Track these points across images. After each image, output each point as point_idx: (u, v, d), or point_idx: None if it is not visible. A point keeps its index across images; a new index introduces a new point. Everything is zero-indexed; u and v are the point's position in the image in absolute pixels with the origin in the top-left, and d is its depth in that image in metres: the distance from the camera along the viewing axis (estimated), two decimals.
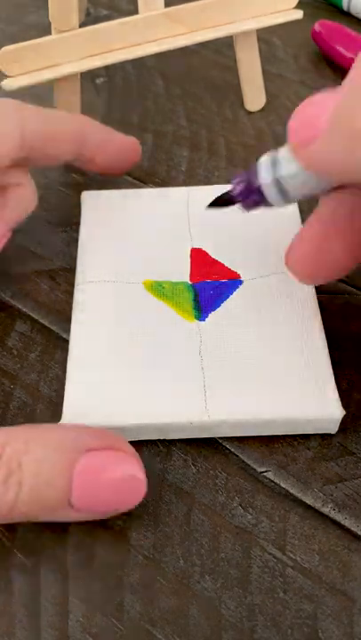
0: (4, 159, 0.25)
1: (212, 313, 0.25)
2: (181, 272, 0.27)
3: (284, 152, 0.22)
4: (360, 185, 0.20)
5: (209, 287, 0.26)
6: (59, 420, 0.23)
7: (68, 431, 0.20)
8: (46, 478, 0.19)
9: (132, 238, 0.28)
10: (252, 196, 0.23)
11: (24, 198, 0.27)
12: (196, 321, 0.25)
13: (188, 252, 0.27)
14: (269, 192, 0.22)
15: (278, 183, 0.22)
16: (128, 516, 0.22)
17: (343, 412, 0.22)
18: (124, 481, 0.20)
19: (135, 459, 0.20)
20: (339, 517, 0.22)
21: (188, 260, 0.27)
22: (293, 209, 0.29)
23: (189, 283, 0.26)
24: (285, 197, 0.22)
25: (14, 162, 0.26)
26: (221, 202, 0.24)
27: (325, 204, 0.22)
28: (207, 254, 0.27)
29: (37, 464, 0.19)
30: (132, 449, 0.20)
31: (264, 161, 0.22)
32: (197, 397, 0.23)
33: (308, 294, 0.26)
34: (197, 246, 0.28)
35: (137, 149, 0.30)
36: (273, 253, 0.27)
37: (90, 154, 0.28)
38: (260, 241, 0.28)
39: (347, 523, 0.22)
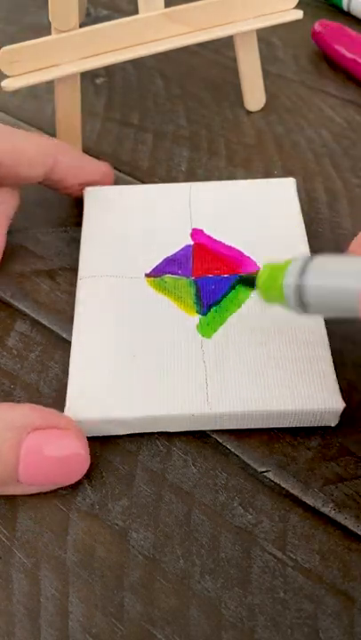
0: None
1: (214, 307, 0.25)
2: (183, 267, 0.27)
3: (317, 262, 0.20)
4: None
5: (211, 282, 0.26)
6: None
7: (16, 410, 0.21)
8: None
9: (134, 233, 0.28)
10: (272, 293, 0.21)
11: (8, 200, 0.28)
12: (198, 315, 0.25)
13: (191, 247, 0.28)
14: (289, 296, 0.20)
15: (300, 290, 0.20)
16: (128, 515, 0.22)
17: (343, 405, 0.23)
18: (67, 457, 0.21)
19: (78, 436, 0.21)
20: (339, 517, 0.22)
21: (191, 255, 0.27)
22: (296, 213, 0.29)
23: (191, 278, 0.27)
24: (304, 308, 0.20)
25: None
26: (247, 282, 0.23)
27: None
28: (209, 249, 0.27)
29: None
30: (76, 427, 0.22)
31: (294, 263, 0.20)
32: (199, 390, 0.23)
33: None
34: (199, 241, 0.28)
35: (109, 176, 0.31)
36: (275, 249, 0.27)
37: (58, 176, 0.29)
38: (262, 236, 0.28)
39: (347, 523, 0.22)
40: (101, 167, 0.30)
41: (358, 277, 0.18)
